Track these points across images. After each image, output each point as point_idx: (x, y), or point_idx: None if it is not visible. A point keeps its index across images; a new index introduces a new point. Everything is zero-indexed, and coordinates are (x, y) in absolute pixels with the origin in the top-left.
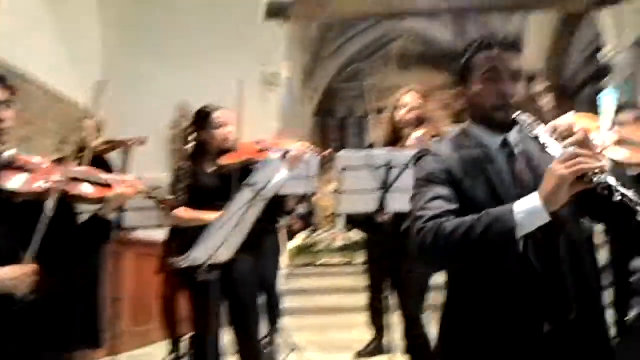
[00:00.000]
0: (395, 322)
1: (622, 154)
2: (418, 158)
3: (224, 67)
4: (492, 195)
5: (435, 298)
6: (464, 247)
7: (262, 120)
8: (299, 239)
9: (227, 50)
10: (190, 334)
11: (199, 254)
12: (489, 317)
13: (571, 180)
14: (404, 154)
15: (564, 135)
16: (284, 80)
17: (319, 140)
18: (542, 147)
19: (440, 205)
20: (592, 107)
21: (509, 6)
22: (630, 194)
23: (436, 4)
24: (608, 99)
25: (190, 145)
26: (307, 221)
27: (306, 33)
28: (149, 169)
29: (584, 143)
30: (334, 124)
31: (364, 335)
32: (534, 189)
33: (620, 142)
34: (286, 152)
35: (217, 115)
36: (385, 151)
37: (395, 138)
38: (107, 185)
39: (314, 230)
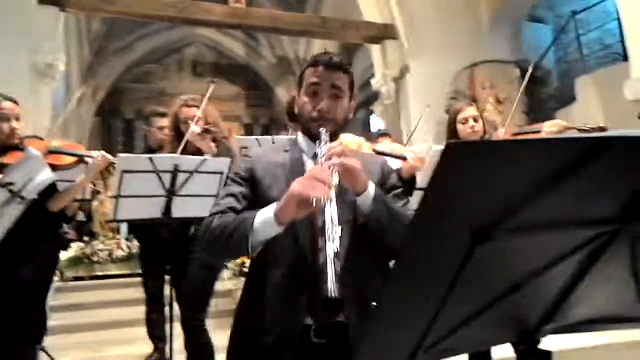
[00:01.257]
0: (179, 332)
1: None
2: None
3: None
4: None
5: (219, 304)
6: (217, 243)
7: (32, 116)
8: (74, 250)
9: None
10: None
11: None
12: (263, 319)
13: (298, 199)
14: (192, 159)
15: (330, 156)
16: (60, 73)
17: (101, 141)
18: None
19: (228, 202)
20: (365, 127)
21: (297, 32)
22: (330, 230)
23: (228, 19)
24: (376, 121)
25: None
26: (84, 230)
27: (89, 25)
28: None
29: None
30: (120, 126)
31: (145, 349)
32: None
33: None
34: (84, 158)
35: (2, 107)
36: (172, 155)
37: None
38: None
39: (92, 240)
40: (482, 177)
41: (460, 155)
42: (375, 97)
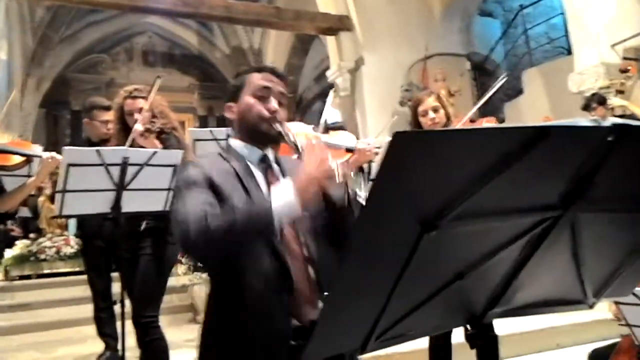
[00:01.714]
0: (131, 329)
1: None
2: (180, 170)
3: None
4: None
5: (174, 300)
6: (230, 241)
7: None
8: (19, 247)
9: None
10: None
11: None
12: (241, 318)
13: (320, 178)
14: (142, 151)
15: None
16: (1, 62)
17: (46, 134)
18: (299, 153)
19: (203, 207)
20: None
21: (251, 21)
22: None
23: (180, 7)
24: (332, 112)
25: None
26: (30, 226)
27: (32, 11)
28: None
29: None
30: (66, 118)
31: (96, 347)
32: None
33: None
34: (32, 158)
35: None
36: (121, 147)
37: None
38: None
39: (38, 237)
40: (428, 166)
41: (406, 145)
42: (330, 88)
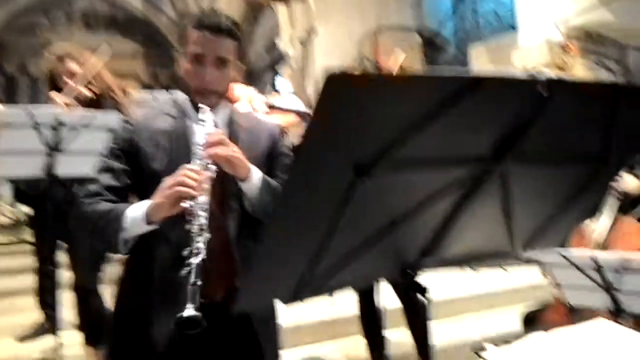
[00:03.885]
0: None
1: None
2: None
3: None
4: (168, 167)
5: (112, 271)
6: (89, 233)
7: None
8: None
9: None
10: None
11: None
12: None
13: (170, 201)
14: (76, 114)
15: (207, 143)
16: None
17: None
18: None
19: (106, 180)
20: (272, 89)
21: None
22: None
23: None
24: (283, 83)
25: None
26: None
27: None
28: None
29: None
30: (1, 82)
31: (32, 318)
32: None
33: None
34: None
35: None
36: (53, 108)
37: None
38: None
39: None
40: (362, 109)
41: (341, 86)
42: (280, 58)
